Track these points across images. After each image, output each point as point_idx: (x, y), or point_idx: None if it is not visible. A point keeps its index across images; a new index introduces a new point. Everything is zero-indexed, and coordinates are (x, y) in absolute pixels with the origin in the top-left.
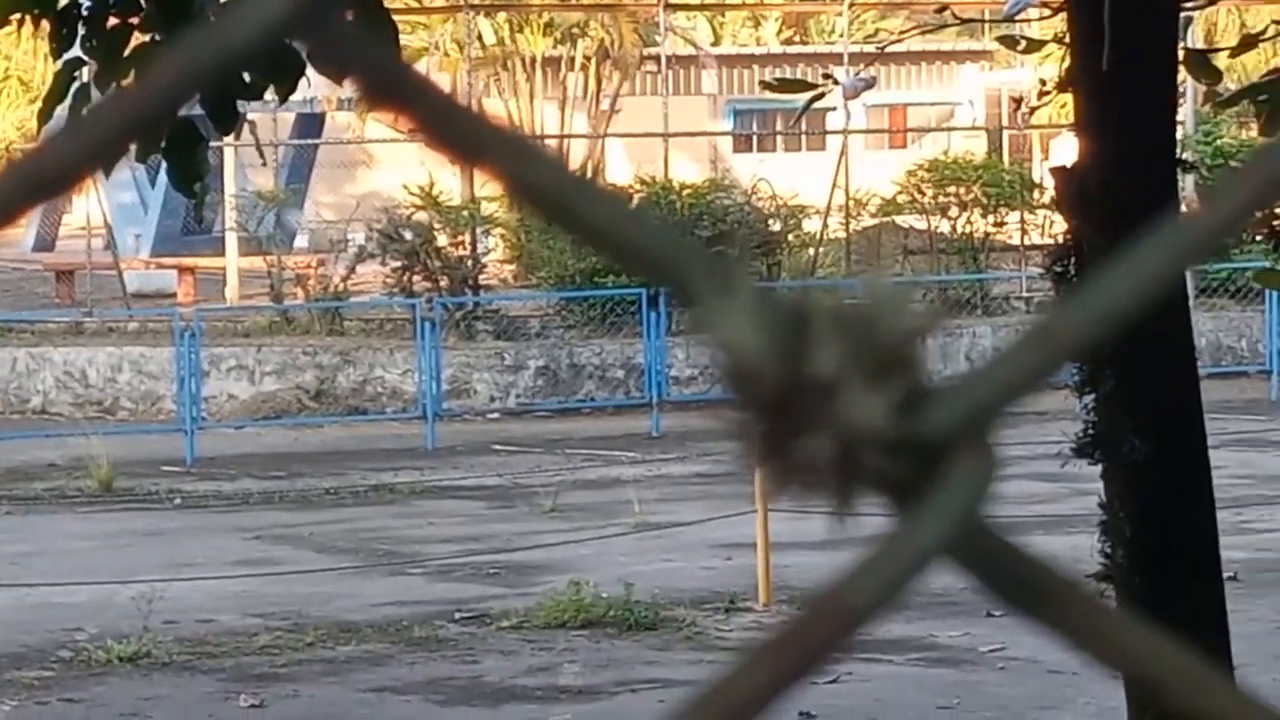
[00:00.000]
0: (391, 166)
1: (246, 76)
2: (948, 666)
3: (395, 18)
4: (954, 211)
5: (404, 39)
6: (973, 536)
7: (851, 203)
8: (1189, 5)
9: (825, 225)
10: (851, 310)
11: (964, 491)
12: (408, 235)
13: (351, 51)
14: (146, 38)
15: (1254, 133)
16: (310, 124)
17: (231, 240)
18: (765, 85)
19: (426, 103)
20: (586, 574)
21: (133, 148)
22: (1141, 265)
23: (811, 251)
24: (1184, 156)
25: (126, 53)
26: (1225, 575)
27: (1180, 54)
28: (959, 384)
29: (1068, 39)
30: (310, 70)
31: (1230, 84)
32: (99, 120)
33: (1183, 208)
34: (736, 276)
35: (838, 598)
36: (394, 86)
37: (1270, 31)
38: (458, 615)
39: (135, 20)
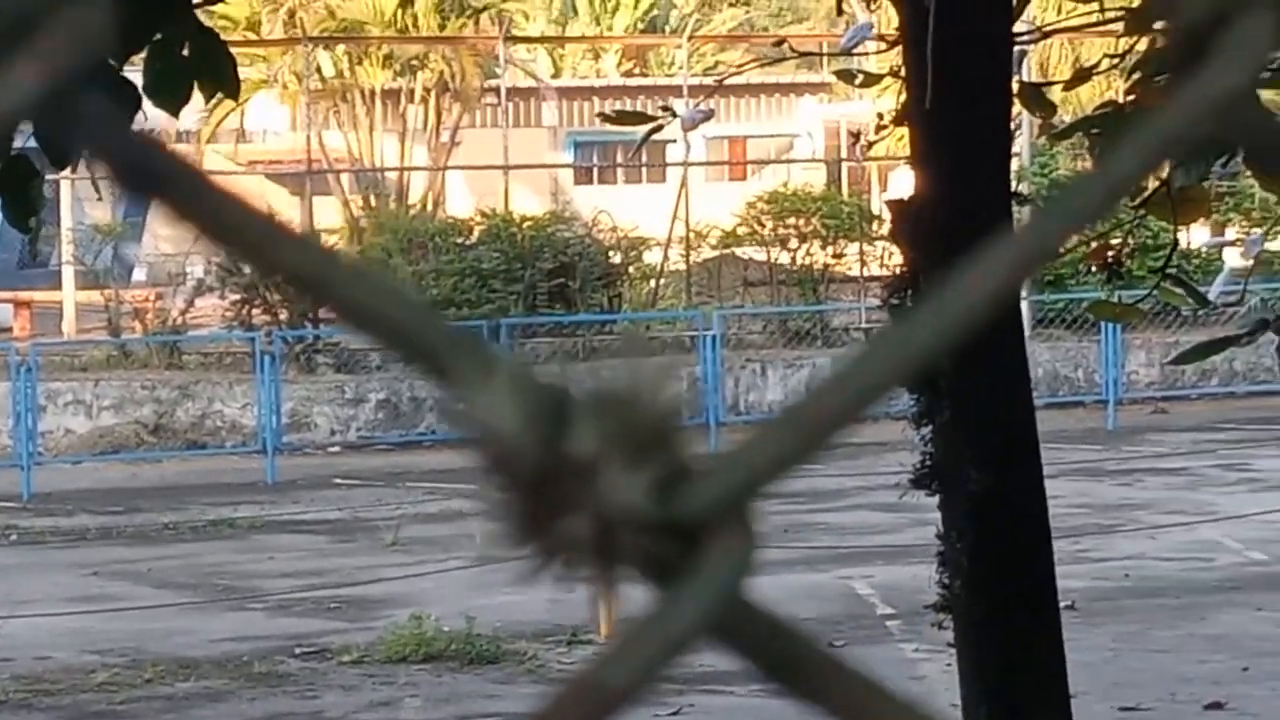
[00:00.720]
0: None
1: None
2: (787, 697)
3: (233, 50)
4: (793, 243)
5: (242, 71)
6: (734, 615)
7: (692, 234)
8: (1022, 39)
9: (666, 257)
10: (612, 389)
11: (723, 570)
12: (247, 268)
13: (101, 135)
14: None
15: (1089, 164)
16: None
17: (68, 274)
18: (603, 117)
19: (178, 186)
20: (428, 607)
21: None
22: (902, 340)
23: (652, 283)
24: (1019, 189)
25: None
26: (1063, 604)
27: (1014, 87)
28: (720, 463)
29: (903, 73)
30: (148, 103)
31: (1065, 116)
32: None
33: None
34: (495, 356)
35: (595, 679)
36: (145, 170)
37: (1103, 65)
38: (298, 650)
39: None
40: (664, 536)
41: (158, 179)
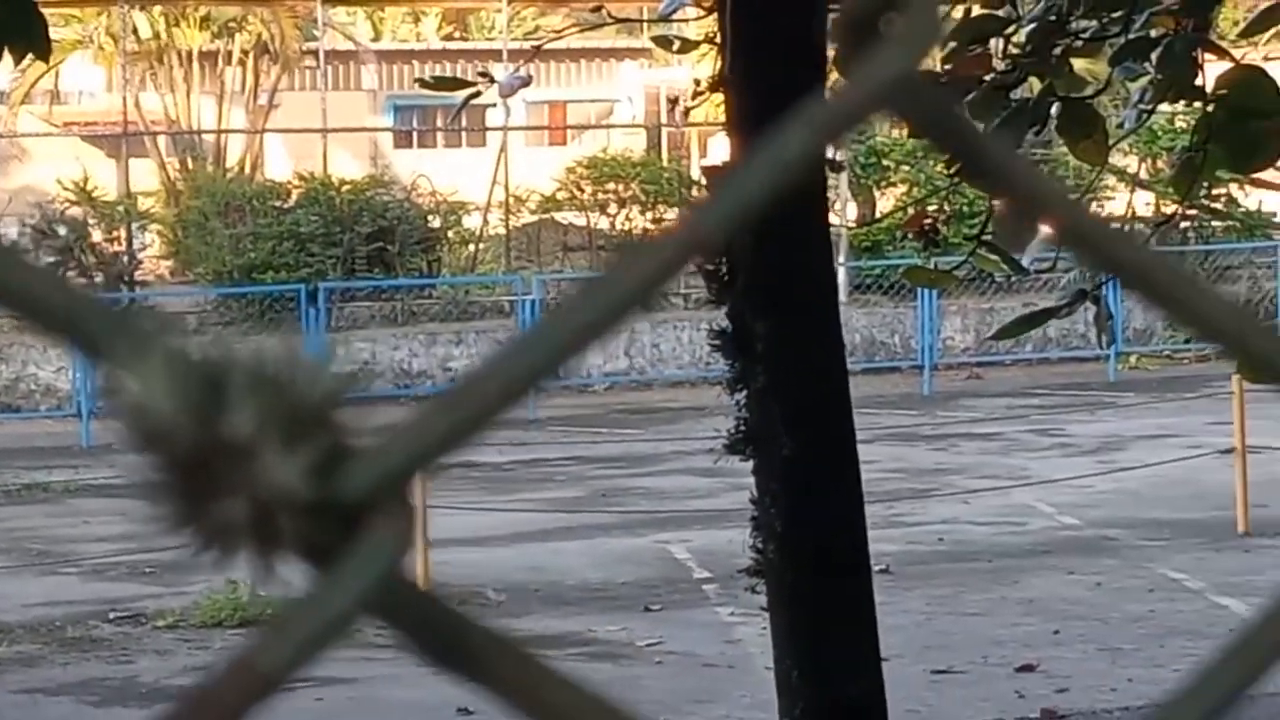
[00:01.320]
0: (45, 161)
1: None
2: (605, 661)
3: (47, 10)
4: (613, 208)
5: (57, 32)
6: (392, 596)
7: (511, 199)
8: (838, 7)
9: (485, 222)
10: (269, 371)
11: (379, 552)
12: (62, 230)
13: None
14: None
15: (906, 132)
16: None
17: None
18: (421, 83)
19: None
20: (243, 573)
21: None
22: (563, 321)
23: (471, 248)
24: (834, 156)
25: None
26: (877, 568)
27: (831, 55)
28: (378, 445)
29: (718, 39)
30: None
31: None
32: None
33: (835, 207)
34: (150, 334)
35: (248, 663)
36: None
37: None
38: (112, 615)
39: None
40: (321, 518)
41: None
